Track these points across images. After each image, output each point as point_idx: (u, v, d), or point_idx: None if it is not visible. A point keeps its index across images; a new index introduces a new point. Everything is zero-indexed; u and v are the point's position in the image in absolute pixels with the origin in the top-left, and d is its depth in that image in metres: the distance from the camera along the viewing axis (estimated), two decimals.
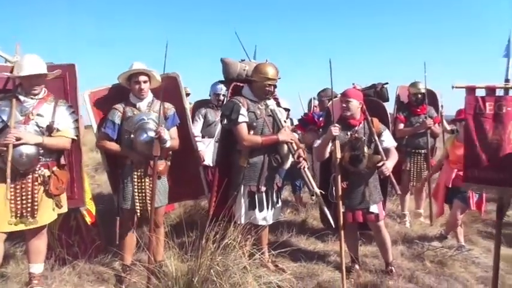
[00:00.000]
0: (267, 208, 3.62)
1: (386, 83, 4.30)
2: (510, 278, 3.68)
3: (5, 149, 2.82)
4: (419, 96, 5.19)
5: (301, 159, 3.57)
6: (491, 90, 3.01)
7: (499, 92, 3.00)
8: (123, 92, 3.49)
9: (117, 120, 3.36)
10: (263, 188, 3.56)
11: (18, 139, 2.86)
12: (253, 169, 3.52)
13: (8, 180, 2.82)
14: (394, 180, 3.59)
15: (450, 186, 4.34)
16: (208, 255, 2.89)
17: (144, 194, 3.35)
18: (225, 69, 3.73)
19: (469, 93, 3.06)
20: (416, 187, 5.37)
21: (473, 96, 3.03)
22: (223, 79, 3.91)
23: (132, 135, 3.31)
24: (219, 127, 4.87)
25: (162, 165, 3.41)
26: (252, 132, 3.50)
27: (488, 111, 2.95)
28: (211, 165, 4.97)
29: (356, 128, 3.60)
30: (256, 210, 3.54)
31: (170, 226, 4.63)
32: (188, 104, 5.89)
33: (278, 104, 3.88)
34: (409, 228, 5.01)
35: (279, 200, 3.84)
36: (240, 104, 3.46)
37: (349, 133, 3.58)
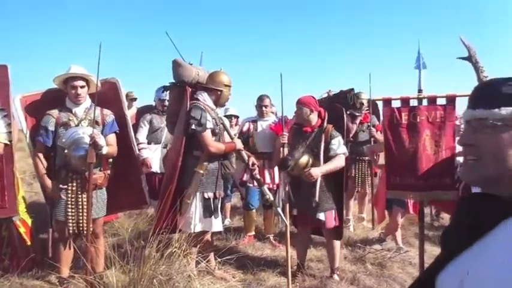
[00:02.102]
0: (220, 214, 3.65)
1: (352, 89, 4.35)
2: None
3: None
4: (357, 106, 5.43)
5: (255, 166, 3.65)
6: (405, 101, 3.22)
7: (413, 102, 3.21)
8: (58, 96, 3.33)
9: (51, 127, 3.20)
10: (219, 195, 3.56)
11: None
12: (210, 176, 3.49)
13: None
14: (317, 188, 3.53)
15: None
16: (151, 264, 2.82)
17: (78, 209, 3.20)
18: (178, 72, 3.52)
19: (385, 105, 3.26)
20: (360, 193, 5.60)
21: (389, 107, 3.24)
22: (168, 83, 3.76)
23: (66, 150, 3.15)
24: (165, 133, 4.79)
25: (101, 177, 3.29)
26: (213, 139, 3.48)
27: (404, 121, 3.16)
28: (158, 171, 4.87)
29: (308, 134, 3.64)
30: (213, 217, 3.50)
31: (113, 235, 4.48)
32: (135, 109, 5.77)
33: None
34: (352, 232, 5.20)
35: (223, 207, 3.91)
36: (205, 110, 3.43)
37: (300, 140, 3.64)
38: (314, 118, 3.67)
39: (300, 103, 3.68)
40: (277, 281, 3.69)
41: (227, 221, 5.43)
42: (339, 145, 3.61)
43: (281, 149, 3.64)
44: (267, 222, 4.89)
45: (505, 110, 0.85)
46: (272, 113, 5.45)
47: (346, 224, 5.49)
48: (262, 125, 4.83)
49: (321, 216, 3.60)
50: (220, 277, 3.55)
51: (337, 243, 3.81)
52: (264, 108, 4.88)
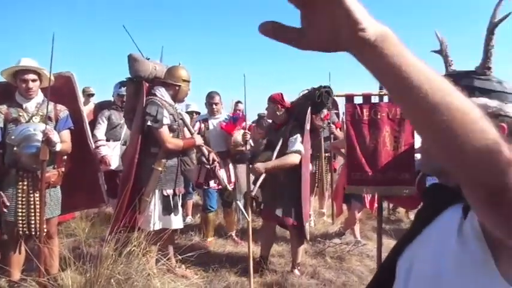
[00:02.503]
0: (181, 211, 3.62)
1: (320, 87, 4.30)
2: None
3: None
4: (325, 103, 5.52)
5: (215, 162, 3.67)
6: (367, 98, 3.30)
7: (375, 99, 3.30)
8: (6, 91, 3.16)
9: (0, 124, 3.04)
10: (178, 191, 3.53)
11: None
12: (169, 173, 3.45)
13: None
14: (258, 183, 3.55)
15: None
16: (109, 263, 2.76)
17: (30, 209, 3.05)
18: (134, 67, 3.43)
19: (347, 101, 3.33)
20: (320, 188, 5.72)
21: (351, 104, 3.31)
22: (125, 78, 3.63)
23: (15, 148, 2.98)
24: (124, 129, 4.67)
25: (54, 175, 3.16)
26: (171, 135, 3.43)
27: (365, 117, 3.24)
28: (118, 169, 4.76)
29: (279, 129, 3.75)
30: (172, 214, 3.46)
31: (69, 236, 4.33)
32: (93, 104, 5.59)
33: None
34: (313, 227, 5.29)
35: (184, 204, 3.88)
36: (162, 106, 3.37)
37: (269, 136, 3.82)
38: (282, 114, 3.74)
39: (269, 100, 3.78)
40: (239, 278, 3.71)
41: (189, 219, 5.39)
42: (294, 142, 3.62)
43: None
44: (228, 220, 4.88)
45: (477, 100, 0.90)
46: (239, 110, 5.43)
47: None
48: (213, 123, 4.69)
49: (279, 212, 3.66)
50: (181, 275, 3.52)
51: (297, 239, 3.86)
52: (214, 106, 4.73)
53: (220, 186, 4.32)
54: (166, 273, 3.27)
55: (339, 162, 5.61)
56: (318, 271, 3.87)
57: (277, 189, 3.66)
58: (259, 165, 3.51)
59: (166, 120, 3.37)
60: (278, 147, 3.59)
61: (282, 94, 3.82)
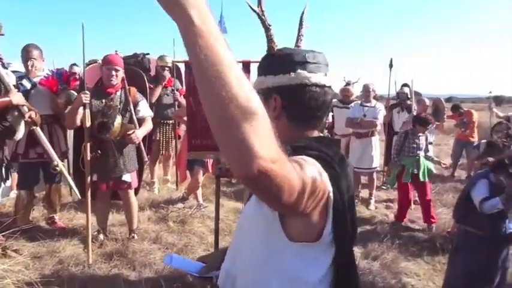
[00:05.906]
0: None
1: (148, 54, 4.27)
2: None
3: None
4: (167, 69, 5.45)
5: (36, 127, 3.21)
6: None
7: None
8: None
9: None
10: None
11: None
12: None
13: None
14: (143, 149, 3.75)
15: None
16: None
17: None
18: None
19: (187, 68, 3.38)
20: (165, 155, 5.71)
21: (190, 70, 3.38)
22: None
23: None
24: None
25: None
26: None
27: None
28: None
29: (112, 96, 3.50)
30: None
31: None
32: None
33: (4, 66, 3.29)
34: (157, 194, 5.30)
35: (9, 175, 3.35)
36: None
37: (104, 101, 3.48)
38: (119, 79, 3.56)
39: (117, 64, 3.48)
40: (75, 250, 3.51)
41: (13, 193, 4.73)
42: (146, 107, 3.74)
43: (81, 109, 3.33)
44: (50, 199, 4.13)
45: (257, 80, 1.05)
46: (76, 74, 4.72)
47: (151, 187, 5.56)
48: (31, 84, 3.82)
49: (127, 177, 3.61)
50: (2, 254, 3.13)
51: (135, 204, 3.86)
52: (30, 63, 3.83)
53: (43, 158, 3.79)
54: None
55: (183, 129, 5.68)
56: (161, 236, 3.93)
57: (126, 154, 3.60)
58: (139, 134, 3.53)
59: None
60: (134, 113, 3.56)
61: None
